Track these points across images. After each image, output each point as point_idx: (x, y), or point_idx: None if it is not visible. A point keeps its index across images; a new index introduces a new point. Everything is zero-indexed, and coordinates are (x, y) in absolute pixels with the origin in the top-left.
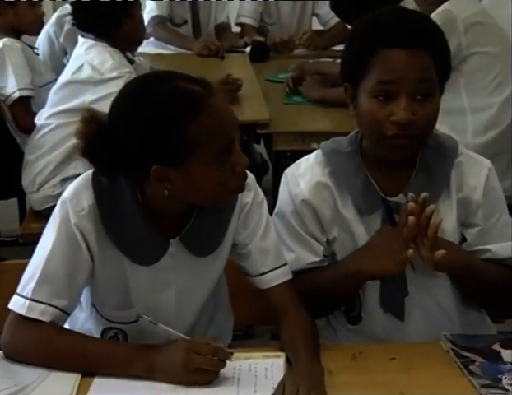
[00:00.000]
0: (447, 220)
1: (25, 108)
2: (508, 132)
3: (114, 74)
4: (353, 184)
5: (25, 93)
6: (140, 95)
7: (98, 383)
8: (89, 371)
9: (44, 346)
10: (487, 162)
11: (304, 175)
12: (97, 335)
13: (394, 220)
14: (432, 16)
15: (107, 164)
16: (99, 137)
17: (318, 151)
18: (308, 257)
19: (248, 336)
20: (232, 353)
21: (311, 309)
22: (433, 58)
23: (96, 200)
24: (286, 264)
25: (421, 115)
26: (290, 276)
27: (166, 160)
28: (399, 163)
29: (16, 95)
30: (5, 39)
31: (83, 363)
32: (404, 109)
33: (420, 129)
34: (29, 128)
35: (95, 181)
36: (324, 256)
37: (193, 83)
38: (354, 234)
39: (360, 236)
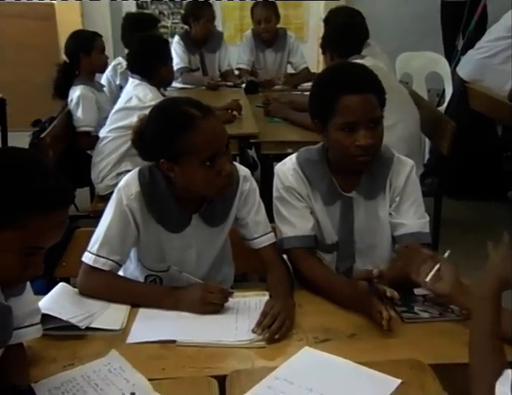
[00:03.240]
0: (384, 209)
1: (86, 137)
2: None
3: (152, 103)
4: (320, 184)
5: (87, 129)
6: (158, 112)
7: (142, 312)
8: (135, 304)
9: (104, 286)
10: (411, 162)
11: (289, 171)
12: (141, 280)
13: (350, 208)
14: None
15: (141, 153)
16: (139, 137)
17: (294, 157)
18: (307, 225)
19: (244, 280)
20: (233, 292)
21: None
22: (377, 97)
23: (141, 188)
24: (271, 232)
25: (375, 138)
26: (273, 240)
27: (169, 157)
28: (354, 170)
29: (82, 129)
30: (82, 87)
31: (131, 298)
32: (364, 137)
33: (375, 148)
34: (87, 148)
35: (140, 175)
36: None
37: (194, 108)
38: (319, 220)
39: (324, 221)
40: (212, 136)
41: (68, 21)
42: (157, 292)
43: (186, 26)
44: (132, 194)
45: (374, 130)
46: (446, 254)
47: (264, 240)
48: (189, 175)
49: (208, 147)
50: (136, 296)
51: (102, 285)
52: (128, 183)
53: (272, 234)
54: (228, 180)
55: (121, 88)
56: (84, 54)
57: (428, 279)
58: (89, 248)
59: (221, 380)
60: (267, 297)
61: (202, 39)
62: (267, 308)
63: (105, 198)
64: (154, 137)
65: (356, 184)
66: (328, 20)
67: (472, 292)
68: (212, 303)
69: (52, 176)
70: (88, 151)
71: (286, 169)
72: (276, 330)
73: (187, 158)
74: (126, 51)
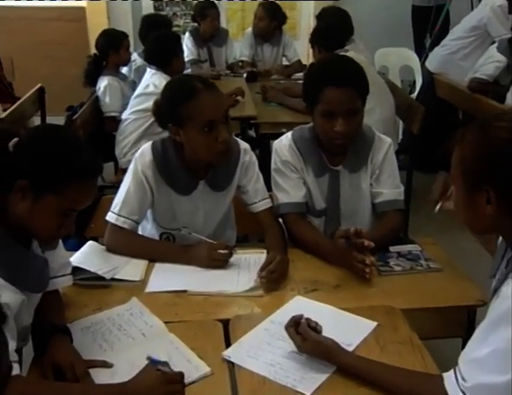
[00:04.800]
0: (365, 181)
1: (112, 121)
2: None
3: None
4: (312, 159)
5: (114, 114)
6: (170, 84)
7: (157, 266)
8: (152, 258)
9: (126, 244)
10: (389, 140)
11: (286, 147)
12: (157, 237)
13: (336, 180)
14: None
15: (157, 120)
16: (157, 108)
17: (289, 134)
18: (299, 193)
19: (244, 241)
20: (235, 250)
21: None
22: (357, 89)
23: (153, 157)
24: (268, 198)
25: (351, 126)
26: (270, 205)
27: (175, 122)
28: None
29: (109, 114)
30: (109, 78)
31: (149, 254)
32: (341, 125)
33: (351, 135)
34: (112, 131)
35: (153, 146)
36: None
37: (199, 82)
38: (310, 190)
39: (314, 191)
40: (211, 106)
41: (96, 22)
42: (172, 249)
43: (196, 24)
44: (146, 162)
45: (351, 119)
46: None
47: (262, 205)
48: (191, 140)
49: (207, 115)
50: (153, 253)
51: (124, 243)
52: (142, 153)
53: (269, 199)
54: (225, 146)
55: (134, 83)
56: (113, 50)
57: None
58: (112, 209)
59: (225, 323)
60: (265, 255)
61: (209, 35)
62: (270, 257)
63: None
64: (165, 104)
65: (342, 160)
66: (320, 16)
67: None
68: (218, 259)
69: (87, 151)
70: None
71: (283, 145)
72: (277, 278)
73: (189, 123)
74: (143, 48)
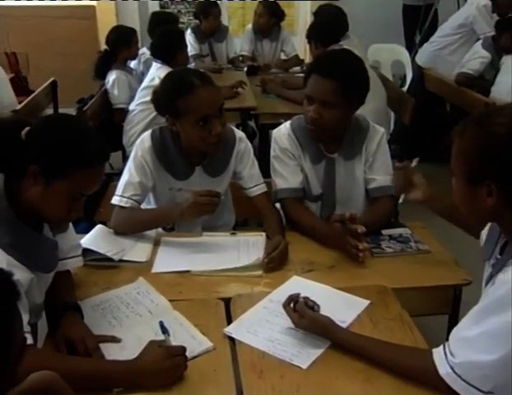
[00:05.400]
0: (360, 168)
1: (120, 112)
2: None
3: None
4: (309, 147)
5: (122, 106)
6: (168, 77)
7: (162, 248)
8: (152, 226)
9: (127, 220)
10: (382, 130)
11: (284, 135)
12: None
13: (332, 167)
14: None
15: (156, 107)
16: (156, 96)
17: (288, 123)
18: (297, 180)
19: (244, 225)
20: (220, 193)
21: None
22: (339, 85)
23: (152, 143)
24: (263, 183)
25: (324, 117)
26: (265, 190)
27: (172, 114)
28: (334, 136)
29: (117, 106)
30: (118, 71)
31: (148, 223)
32: (313, 111)
33: (322, 125)
34: (120, 121)
35: (153, 134)
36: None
37: (196, 78)
38: (307, 176)
39: (311, 177)
40: (205, 102)
41: (106, 20)
42: (165, 210)
43: (197, 21)
44: (146, 148)
45: (324, 109)
46: (414, 163)
47: (257, 189)
48: (186, 131)
49: (202, 110)
50: (151, 219)
51: (126, 219)
52: (142, 141)
53: (264, 185)
54: (218, 138)
55: (142, 74)
56: (124, 46)
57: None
58: (116, 192)
59: (227, 302)
60: (264, 237)
61: (210, 32)
62: (277, 241)
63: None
64: (163, 96)
65: (338, 148)
66: (317, 13)
67: (440, 197)
68: (205, 204)
69: (95, 139)
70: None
71: (282, 133)
72: (281, 261)
73: (185, 116)
74: (150, 42)
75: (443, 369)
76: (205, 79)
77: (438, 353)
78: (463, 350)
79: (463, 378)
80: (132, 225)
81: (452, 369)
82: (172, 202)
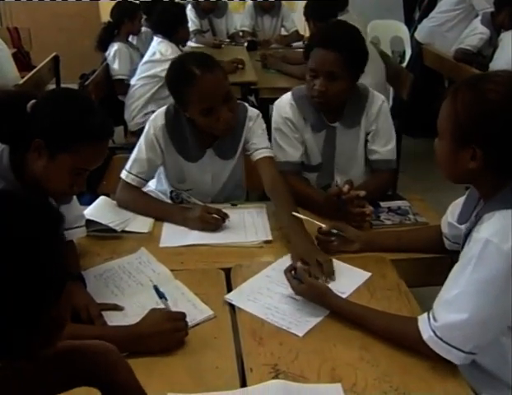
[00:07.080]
0: (360, 137)
1: (120, 84)
2: None
3: (171, 57)
4: (311, 116)
5: (121, 77)
6: (171, 68)
7: (166, 226)
8: (151, 216)
9: (133, 201)
10: (382, 97)
11: (287, 104)
12: (168, 193)
13: (333, 136)
14: None
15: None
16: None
17: (289, 93)
18: (296, 154)
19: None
20: (229, 218)
21: None
22: (343, 56)
23: (166, 122)
24: (268, 147)
25: (330, 89)
26: (270, 154)
27: (178, 103)
28: (336, 106)
29: (117, 77)
30: (119, 44)
31: (151, 212)
32: (319, 84)
33: (329, 97)
34: (120, 93)
35: (167, 111)
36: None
37: (198, 67)
38: (307, 145)
39: (311, 146)
40: (207, 93)
41: None
42: (169, 210)
43: None
44: (158, 126)
45: (330, 82)
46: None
47: (263, 152)
48: (195, 119)
49: (203, 103)
50: (153, 211)
51: (130, 199)
52: (156, 117)
53: (270, 150)
54: (227, 125)
55: (138, 49)
56: (128, 20)
57: None
58: (125, 167)
59: (227, 272)
60: (265, 209)
61: (209, 8)
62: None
63: (136, 133)
64: (168, 85)
65: (339, 117)
66: None
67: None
68: (209, 222)
69: (100, 114)
70: (120, 98)
71: (283, 103)
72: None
73: (190, 106)
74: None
75: (426, 334)
76: (206, 67)
77: (422, 319)
78: (443, 312)
79: (444, 339)
80: (134, 206)
81: (434, 332)
82: (178, 206)
